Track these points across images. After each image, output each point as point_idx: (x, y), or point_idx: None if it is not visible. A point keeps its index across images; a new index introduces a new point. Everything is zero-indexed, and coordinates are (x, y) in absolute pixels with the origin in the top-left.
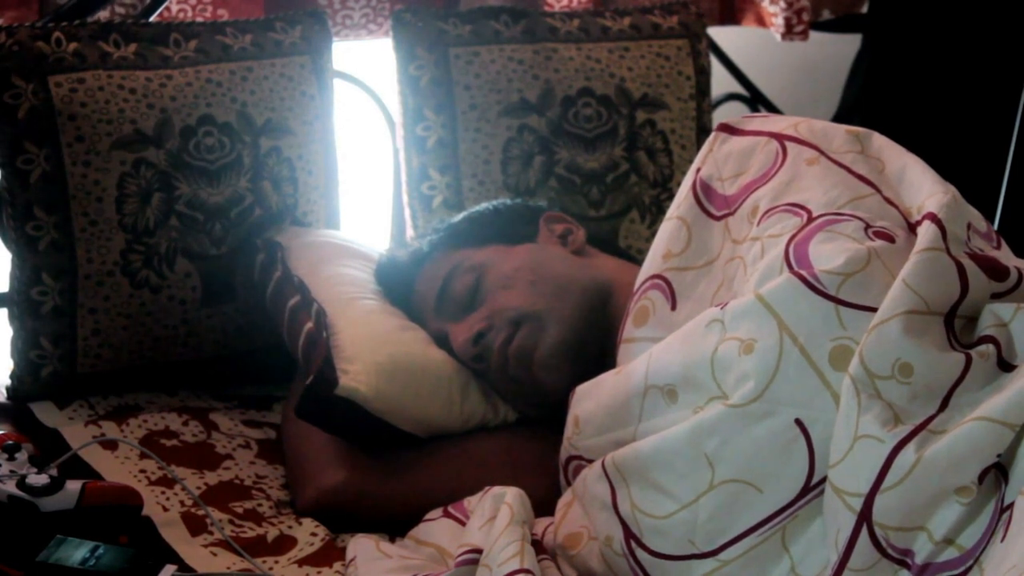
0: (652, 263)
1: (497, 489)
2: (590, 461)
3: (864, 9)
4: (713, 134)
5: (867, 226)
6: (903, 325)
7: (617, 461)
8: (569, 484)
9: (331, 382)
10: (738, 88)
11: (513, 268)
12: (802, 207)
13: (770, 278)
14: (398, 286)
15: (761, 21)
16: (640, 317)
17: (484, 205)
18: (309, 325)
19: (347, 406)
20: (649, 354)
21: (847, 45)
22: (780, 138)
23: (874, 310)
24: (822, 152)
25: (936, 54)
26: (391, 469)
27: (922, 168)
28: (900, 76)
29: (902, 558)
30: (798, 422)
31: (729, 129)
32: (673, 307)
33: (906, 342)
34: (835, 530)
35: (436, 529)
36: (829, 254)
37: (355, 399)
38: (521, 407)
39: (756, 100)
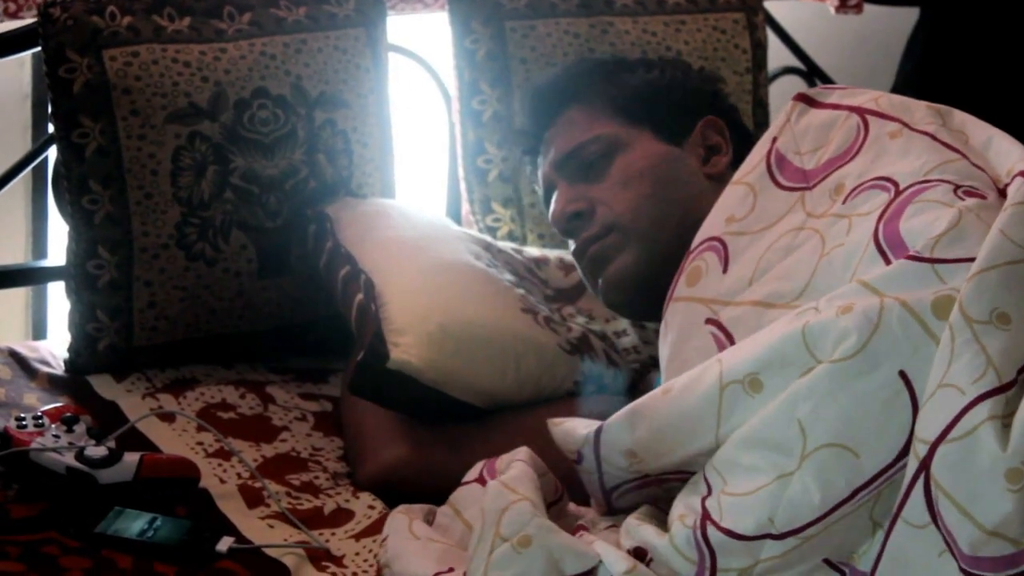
0: (713, 225)
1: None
2: (660, 477)
3: None
4: (791, 103)
5: (956, 187)
6: (1003, 276)
7: (716, 463)
8: (610, 510)
9: (382, 356)
10: (795, 62)
11: (644, 167)
12: (889, 179)
13: (855, 255)
14: (550, 105)
15: None
16: (692, 277)
17: (657, 74)
18: (360, 297)
19: (400, 379)
20: (719, 360)
21: (904, 18)
22: (861, 112)
23: (971, 260)
24: (905, 124)
25: (994, 28)
26: (451, 443)
27: (1009, 140)
28: (957, 50)
29: (948, 540)
30: (902, 374)
31: (808, 100)
32: (724, 270)
33: (1005, 293)
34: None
35: (469, 497)
36: (922, 228)
37: (407, 372)
38: (589, 285)
39: (813, 73)
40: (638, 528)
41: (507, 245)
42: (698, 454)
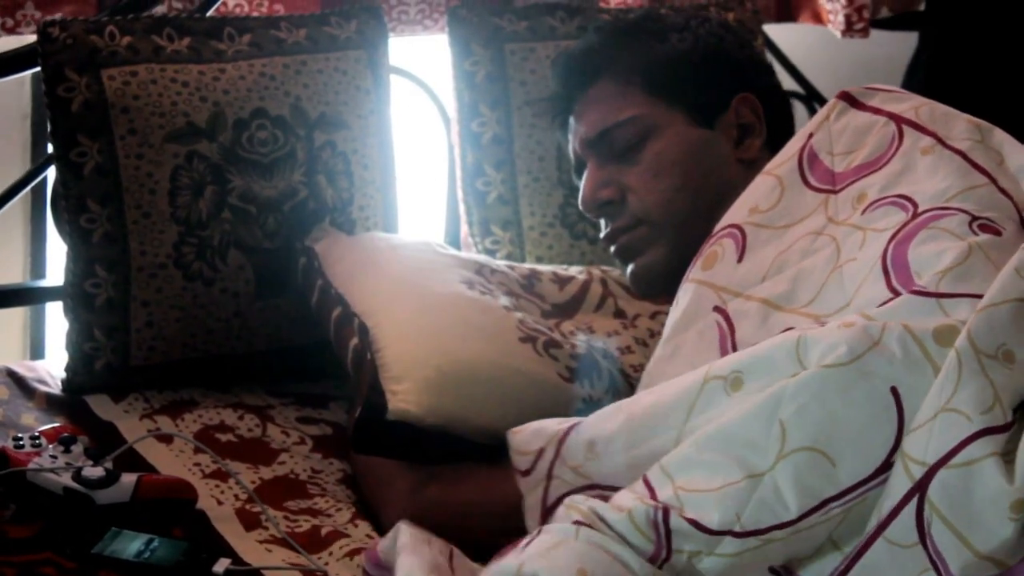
0: (737, 212)
1: None
2: (607, 488)
3: (922, 7)
4: (832, 100)
5: (972, 219)
6: (1012, 312)
7: (665, 464)
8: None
9: (381, 408)
10: (794, 86)
11: (676, 156)
12: (909, 199)
13: (863, 272)
14: (580, 74)
15: (818, 18)
16: (709, 261)
17: (691, 43)
18: (355, 341)
19: (402, 428)
20: (710, 365)
21: (904, 43)
22: (899, 121)
23: (976, 296)
24: (939, 139)
25: (994, 52)
26: (476, 480)
27: None
28: (958, 74)
29: (935, 560)
30: (893, 391)
31: (850, 99)
32: (740, 259)
33: (1013, 330)
34: (883, 499)
35: None
36: (928, 257)
37: (408, 420)
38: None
39: (812, 98)
40: (586, 501)
41: (500, 263)
42: (651, 455)
